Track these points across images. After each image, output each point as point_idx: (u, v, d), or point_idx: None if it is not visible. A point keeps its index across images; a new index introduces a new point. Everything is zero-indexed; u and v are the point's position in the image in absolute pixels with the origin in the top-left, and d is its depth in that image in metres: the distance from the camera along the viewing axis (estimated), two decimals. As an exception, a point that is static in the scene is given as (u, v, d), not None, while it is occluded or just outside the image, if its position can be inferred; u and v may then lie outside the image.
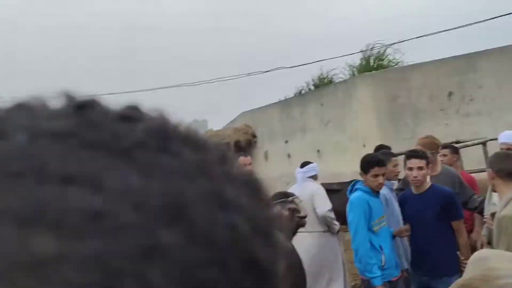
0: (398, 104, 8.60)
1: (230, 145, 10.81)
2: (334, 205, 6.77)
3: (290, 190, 3.98)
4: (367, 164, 3.42)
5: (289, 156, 10.84)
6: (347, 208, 3.48)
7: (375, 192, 3.42)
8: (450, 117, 8.12)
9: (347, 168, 9.38)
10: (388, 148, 5.61)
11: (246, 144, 12.19)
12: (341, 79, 10.89)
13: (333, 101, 9.72)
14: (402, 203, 3.57)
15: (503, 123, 7.52)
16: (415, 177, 3.38)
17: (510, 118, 7.56)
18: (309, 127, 10.47)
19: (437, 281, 3.30)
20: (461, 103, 8.03)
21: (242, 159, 5.43)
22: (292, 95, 12.34)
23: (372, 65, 10.08)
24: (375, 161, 3.42)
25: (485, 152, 5.95)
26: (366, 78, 8.93)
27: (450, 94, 8.14)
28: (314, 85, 11.65)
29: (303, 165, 5.38)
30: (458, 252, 3.29)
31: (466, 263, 3.28)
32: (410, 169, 3.41)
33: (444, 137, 8.08)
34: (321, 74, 11.88)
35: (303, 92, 12.21)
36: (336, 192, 7.19)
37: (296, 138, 10.86)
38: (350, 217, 3.42)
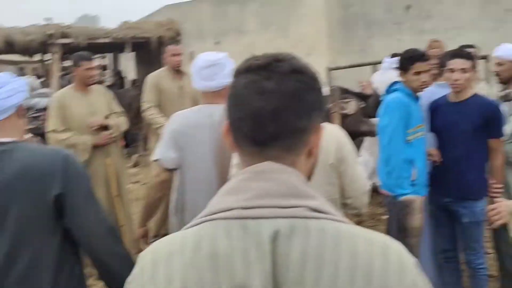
0: (351, 12, 8.09)
1: (152, 40, 9.71)
2: None
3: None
4: (408, 60, 2.91)
5: (220, 59, 10.09)
6: (381, 112, 2.97)
7: (416, 95, 2.95)
8: (404, 32, 7.81)
9: (288, 77, 8.91)
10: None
11: (169, 41, 11.10)
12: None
13: (277, 1, 8.95)
14: (433, 111, 3.14)
15: (457, 44, 7.36)
16: (456, 80, 2.91)
17: (465, 39, 7.41)
18: (246, 28, 9.68)
19: (459, 204, 2.98)
20: (418, 18, 7.71)
21: (173, 48, 4.69)
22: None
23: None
24: (418, 55, 2.91)
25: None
26: (319, -20, 8.24)
27: (407, 7, 7.76)
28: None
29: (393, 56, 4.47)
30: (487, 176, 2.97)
31: (497, 188, 2.89)
32: (452, 70, 2.95)
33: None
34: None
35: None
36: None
37: (229, 39, 10.05)
38: (384, 121, 2.94)
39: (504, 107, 3.18)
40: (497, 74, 3.51)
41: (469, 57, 2.98)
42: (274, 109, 0.84)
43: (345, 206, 2.27)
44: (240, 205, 0.84)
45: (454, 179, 2.99)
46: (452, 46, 7.54)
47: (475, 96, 3.04)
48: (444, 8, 7.56)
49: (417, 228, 2.90)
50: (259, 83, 0.85)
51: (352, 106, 4.57)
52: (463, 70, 2.92)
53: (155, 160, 2.47)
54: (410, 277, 0.80)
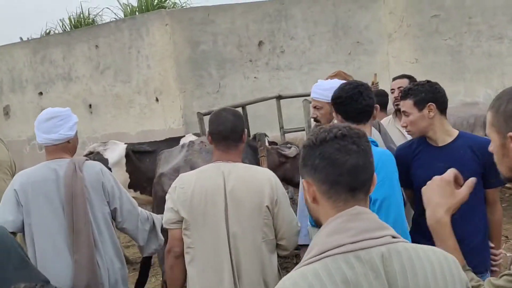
0: (201, 51, 7.43)
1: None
2: (149, 169, 5.35)
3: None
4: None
5: (47, 111, 8.54)
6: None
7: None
8: (259, 69, 7.38)
9: (133, 127, 7.83)
10: None
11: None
12: (116, 19, 9.03)
13: (113, 42, 7.90)
14: (407, 161, 2.52)
15: (313, 79, 7.16)
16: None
17: (320, 74, 7.26)
18: (76, 74, 8.38)
19: None
20: (272, 54, 7.36)
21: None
22: (42, 35, 9.78)
23: (158, 2, 8.54)
24: None
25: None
26: (161, 16, 7.44)
27: (260, 43, 7.37)
28: (74, 25, 9.42)
29: None
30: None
31: (499, 255, 2.29)
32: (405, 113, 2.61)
33: (250, 92, 7.35)
34: (81, 12, 9.70)
35: (53, 32, 9.80)
36: (149, 153, 5.69)
37: (57, 88, 8.61)
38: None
39: None
40: (316, 120, 3.09)
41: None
42: (363, 163, 1.28)
43: (278, 246, 2.40)
44: (349, 241, 1.21)
45: None
46: (309, 81, 7.34)
47: (461, 135, 2.57)
48: (297, 43, 7.34)
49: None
50: (348, 146, 1.28)
51: (293, 150, 4.39)
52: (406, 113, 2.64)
53: None
54: (460, 270, 1.28)
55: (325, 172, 1.28)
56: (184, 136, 5.89)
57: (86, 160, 2.71)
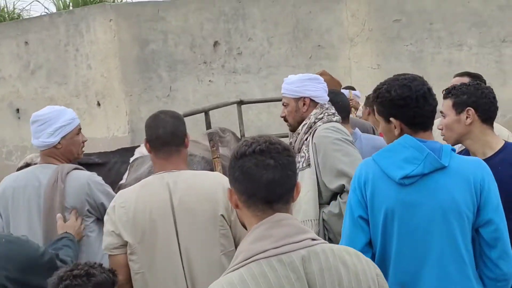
0: (150, 51, 6.76)
1: None
2: None
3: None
4: None
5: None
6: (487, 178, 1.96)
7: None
8: (214, 72, 6.82)
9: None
10: None
11: None
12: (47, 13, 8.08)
13: (46, 38, 7.02)
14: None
15: (272, 83, 6.74)
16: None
17: (279, 78, 6.81)
18: (1, 74, 7.38)
19: None
20: (228, 56, 6.83)
21: None
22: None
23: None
24: None
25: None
26: (104, 10, 6.69)
27: (215, 44, 6.82)
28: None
29: None
30: None
31: None
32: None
33: (205, 97, 6.77)
34: (5, 6, 8.64)
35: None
36: (99, 167, 4.95)
37: (-23, 90, 7.56)
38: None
39: None
40: (285, 120, 2.94)
41: None
42: (279, 178, 1.35)
43: None
44: (271, 247, 1.31)
45: None
46: (268, 86, 6.88)
47: (507, 148, 2.30)
48: (255, 45, 6.86)
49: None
50: (265, 161, 1.35)
51: None
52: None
53: None
54: (374, 270, 1.40)
55: (244, 185, 1.38)
56: (139, 146, 5.20)
57: (75, 169, 2.54)
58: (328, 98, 2.87)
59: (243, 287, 1.27)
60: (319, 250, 1.33)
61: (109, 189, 2.67)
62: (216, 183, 2.17)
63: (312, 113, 2.79)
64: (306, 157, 2.75)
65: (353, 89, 6.30)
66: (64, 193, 2.42)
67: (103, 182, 2.66)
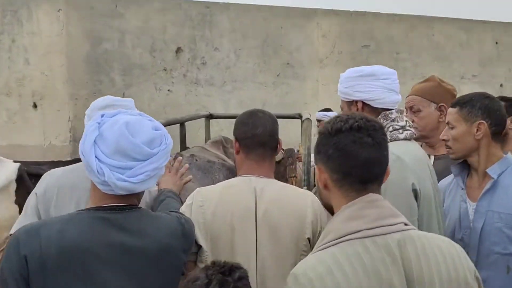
0: (103, 50, 5.95)
1: None
2: None
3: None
4: None
5: None
6: None
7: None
8: (175, 81, 6.16)
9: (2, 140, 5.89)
10: None
11: None
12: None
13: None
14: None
15: (236, 99, 6.24)
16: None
17: (244, 94, 6.34)
18: None
19: None
20: (191, 65, 6.21)
21: None
22: None
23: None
24: None
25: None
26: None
27: (178, 50, 6.17)
28: None
29: None
30: None
31: None
32: None
33: (162, 107, 6.09)
34: None
35: None
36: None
37: None
38: None
39: None
40: None
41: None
42: (377, 157, 1.32)
43: None
44: (365, 227, 1.25)
45: None
46: (231, 101, 6.34)
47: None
48: (221, 56, 6.32)
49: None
50: (363, 139, 1.30)
51: (279, 155, 3.45)
52: None
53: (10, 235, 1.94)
54: (467, 258, 1.35)
55: (338, 163, 1.34)
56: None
57: None
58: (398, 100, 2.19)
59: (336, 267, 1.23)
60: (414, 235, 1.31)
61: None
62: (306, 202, 1.94)
63: None
64: (303, 178, 2.33)
65: (330, 110, 5.98)
66: None
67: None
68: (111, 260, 1.54)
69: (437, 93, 2.83)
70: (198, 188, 2.02)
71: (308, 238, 1.89)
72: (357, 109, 2.17)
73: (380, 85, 2.15)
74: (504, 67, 7.41)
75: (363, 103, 2.16)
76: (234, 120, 5.59)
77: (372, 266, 1.22)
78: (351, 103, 2.19)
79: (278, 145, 2.08)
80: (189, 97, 6.22)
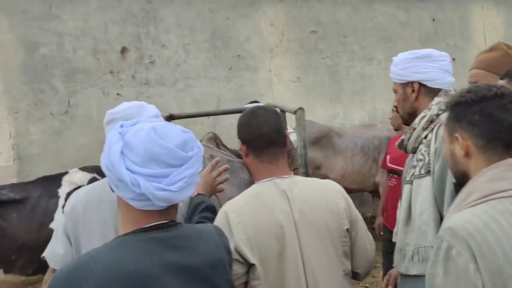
0: (41, 56, 5.44)
1: None
2: (19, 230, 3.51)
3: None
4: None
5: None
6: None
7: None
8: (123, 84, 5.77)
9: None
10: None
11: None
12: None
13: None
14: None
15: (190, 96, 5.97)
16: None
17: (198, 91, 6.07)
18: None
19: None
20: (139, 65, 5.83)
21: None
22: None
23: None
24: None
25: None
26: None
27: (123, 50, 5.78)
28: None
29: None
30: None
31: None
32: None
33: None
34: None
35: None
36: (16, 204, 3.69)
37: None
38: None
39: None
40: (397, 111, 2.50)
41: None
42: None
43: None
44: (511, 188, 1.29)
45: None
46: (185, 100, 6.03)
47: None
48: (169, 53, 5.99)
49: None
50: (507, 105, 1.36)
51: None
52: None
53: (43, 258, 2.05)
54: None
55: (484, 128, 1.39)
56: (67, 172, 3.99)
57: None
58: (452, 81, 2.25)
59: (493, 221, 1.27)
60: None
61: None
62: (336, 192, 1.94)
63: (433, 102, 2.17)
64: (426, 161, 2.14)
65: (257, 102, 5.79)
66: None
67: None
68: (170, 282, 1.40)
69: (503, 65, 2.51)
70: (222, 209, 1.88)
71: (347, 229, 1.91)
72: (413, 90, 2.19)
73: (437, 66, 2.18)
74: (442, 43, 7.62)
75: (420, 84, 2.19)
76: (190, 119, 5.30)
77: None
78: (407, 84, 2.21)
79: (287, 140, 2.01)
80: (141, 99, 5.83)
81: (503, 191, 1.30)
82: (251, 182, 2.19)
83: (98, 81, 5.64)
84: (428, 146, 2.14)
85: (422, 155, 2.15)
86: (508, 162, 1.36)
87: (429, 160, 2.12)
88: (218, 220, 1.84)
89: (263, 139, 1.92)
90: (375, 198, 6.26)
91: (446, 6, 7.68)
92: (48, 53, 5.43)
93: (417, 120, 2.19)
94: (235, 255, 1.74)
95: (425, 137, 2.17)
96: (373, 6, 7.18)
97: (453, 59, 7.71)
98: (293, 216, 1.83)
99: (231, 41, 6.30)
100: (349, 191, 5.63)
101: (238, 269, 1.76)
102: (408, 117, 2.25)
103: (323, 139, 5.79)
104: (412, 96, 2.20)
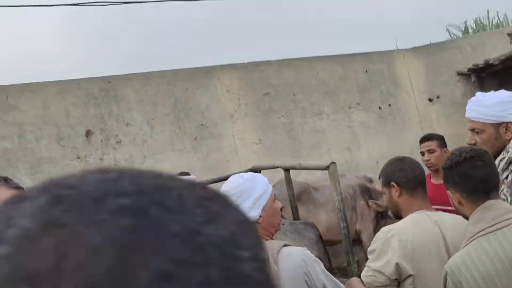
0: (3, 150, 5.06)
1: None
2: None
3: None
4: None
5: None
6: None
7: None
8: (85, 165, 5.46)
9: None
10: None
11: None
12: None
13: None
14: None
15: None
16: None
17: (166, 165, 5.93)
18: None
19: None
20: (106, 146, 5.59)
21: None
22: None
23: None
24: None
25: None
26: None
27: (88, 133, 5.53)
28: None
29: None
30: None
31: None
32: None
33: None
34: None
35: None
36: None
37: None
38: None
39: None
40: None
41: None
42: (491, 173, 1.84)
43: None
44: (487, 226, 1.74)
45: None
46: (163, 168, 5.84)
47: None
48: (135, 130, 5.84)
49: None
50: (476, 163, 1.80)
51: None
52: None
53: None
54: None
55: (464, 185, 1.81)
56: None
57: (284, 246, 2.15)
58: None
59: (468, 258, 1.71)
60: None
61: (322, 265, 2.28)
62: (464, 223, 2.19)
63: (510, 144, 2.35)
64: (509, 201, 2.25)
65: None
66: (278, 276, 2.14)
67: (317, 258, 2.28)
68: None
69: None
70: (391, 225, 2.25)
71: None
72: (506, 129, 2.41)
73: None
74: (377, 91, 8.16)
75: (509, 123, 2.43)
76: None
77: (494, 253, 1.67)
78: (500, 124, 2.41)
79: (426, 179, 2.33)
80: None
81: (482, 230, 1.71)
82: (318, 240, 2.24)
83: (65, 169, 5.30)
84: (510, 187, 2.27)
85: (505, 195, 2.26)
86: (486, 204, 1.76)
87: (510, 200, 2.24)
88: (379, 240, 2.17)
89: (416, 180, 2.25)
90: (356, 247, 6.34)
91: (374, 58, 8.28)
92: (9, 146, 5.04)
93: (496, 162, 2.29)
94: (400, 262, 2.09)
95: (506, 178, 2.30)
96: (314, 63, 7.56)
97: (389, 105, 8.27)
98: (445, 238, 2.12)
99: (192, 111, 6.28)
100: (335, 242, 5.70)
101: (392, 273, 2.10)
102: (497, 156, 2.38)
103: (302, 194, 5.85)
104: (507, 135, 2.37)
